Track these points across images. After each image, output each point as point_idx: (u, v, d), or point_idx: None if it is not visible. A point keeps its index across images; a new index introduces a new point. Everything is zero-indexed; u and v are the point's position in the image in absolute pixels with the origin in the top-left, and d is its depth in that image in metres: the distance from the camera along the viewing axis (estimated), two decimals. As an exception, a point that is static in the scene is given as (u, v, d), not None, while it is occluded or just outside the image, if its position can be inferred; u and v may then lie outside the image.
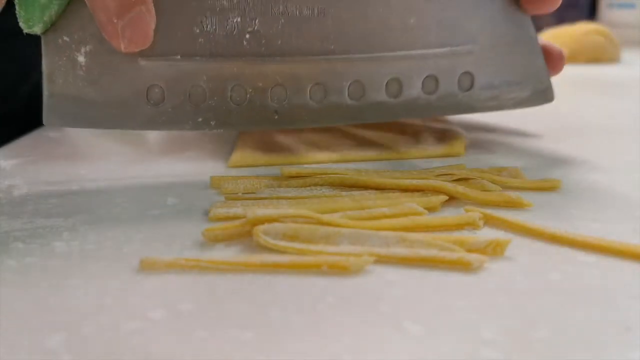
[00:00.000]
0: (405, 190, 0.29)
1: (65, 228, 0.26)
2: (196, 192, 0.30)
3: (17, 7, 0.27)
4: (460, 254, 0.22)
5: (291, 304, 0.20)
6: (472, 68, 0.35)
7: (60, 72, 0.29)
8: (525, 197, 0.28)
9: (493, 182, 0.30)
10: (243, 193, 0.29)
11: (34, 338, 0.18)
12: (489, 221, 0.26)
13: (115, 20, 0.27)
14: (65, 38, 0.29)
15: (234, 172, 0.33)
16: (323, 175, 0.30)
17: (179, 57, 0.30)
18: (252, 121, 0.32)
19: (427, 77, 0.34)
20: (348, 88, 0.33)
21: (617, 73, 0.76)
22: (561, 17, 0.99)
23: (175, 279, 0.22)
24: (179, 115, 0.31)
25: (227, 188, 0.30)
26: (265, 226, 0.24)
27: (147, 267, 0.22)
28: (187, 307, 0.20)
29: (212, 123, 0.32)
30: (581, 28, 0.84)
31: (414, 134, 0.38)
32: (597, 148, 0.39)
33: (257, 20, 0.31)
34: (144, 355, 0.17)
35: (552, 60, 0.36)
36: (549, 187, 0.30)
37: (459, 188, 0.28)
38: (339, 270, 0.22)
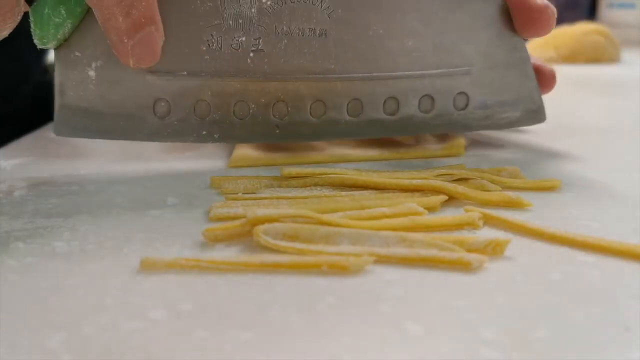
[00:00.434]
0: (405, 190, 0.29)
1: (65, 228, 0.26)
2: (196, 192, 0.30)
3: (32, 25, 0.29)
4: (460, 254, 0.22)
5: (291, 304, 0.20)
6: (467, 88, 0.36)
7: (71, 85, 0.31)
8: (525, 197, 0.28)
9: (493, 182, 0.30)
10: (243, 193, 0.29)
11: (35, 338, 0.18)
12: (489, 221, 0.26)
13: (125, 40, 0.28)
14: (77, 53, 0.30)
15: (234, 172, 0.33)
16: (323, 175, 0.30)
17: (185, 73, 0.32)
18: (254, 135, 0.34)
19: (423, 96, 0.35)
20: (347, 105, 0.34)
21: (617, 73, 0.76)
22: (561, 17, 0.99)
23: (175, 279, 0.22)
24: (183, 128, 0.33)
25: (227, 188, 0.30)
26: (265, 226, 0.24)
27: (147, 267, 0.22)
28: (187, 307, 0.20)
29: (216, 136, 0.33)
30: (581, 28, 0.84)
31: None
32: (597, 148, 0.39)
33: (261, 40, 0.32)
34: (144, 355, 0.17)
35: (544, 79, 0.37)
36: (549, 187, 0.30)
37: (459, 188, 0.28)
38: (339, 270, 0.22)
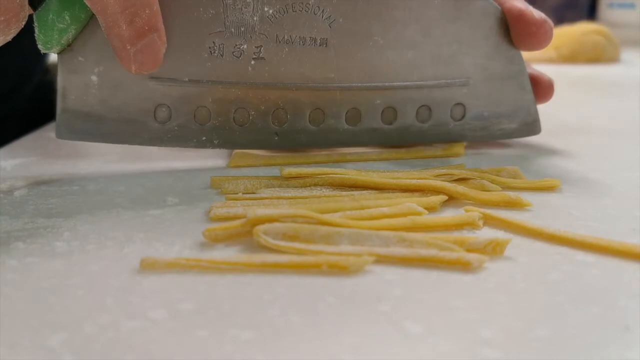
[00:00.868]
0: (405, 190, 0.29)
1: (66, 228, 0.26)
2: (196, 192, 0.30)
3: (36, 31, 0.29)
4: (460, 254, 0.22)
5: (291, 304, 0.20)
6: (465, 100, 0.36)
7: (73, 89, 0.31)
8: (525, 197, 0.28)
9: (493, 182, 0.30)
10: (243, 193, 0.29)
11: (35, 337, 0.18)
12: (489, 221, 0.26)
13: (128, 47, 0.29)
14: (81, 58, 0.31)
15: (234, 172, 0.33)
16: (323, 175, 0.30)
17: (186, 79, 0.32)
18: (253, 141, 0.34)
19: (421, 106, 0.35)
20: (346, 114, 0.35)
21: (616, 73, 0.76)
22: (561, 17, 0.99)
23: (175, 279, 0.22)
24: (184, 133, 0.33)
25: (227, 188, 0.30)
26: (266, 226, 0.24)
27: (147, 267, 0.22)
28: (187, 307, 0.20)
29: (216, 142, 0.33)
30: (581, 28, 0.84)
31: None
32: (597, 148, 0.39)
33: (262, 48, 0.32)
34: (145, 355, 0.17)
35: (542, 88, 0.37)
36: (548, 187, 0.30)
37: (459, 188, 0.28)
38: (339, 270, 0.22)
